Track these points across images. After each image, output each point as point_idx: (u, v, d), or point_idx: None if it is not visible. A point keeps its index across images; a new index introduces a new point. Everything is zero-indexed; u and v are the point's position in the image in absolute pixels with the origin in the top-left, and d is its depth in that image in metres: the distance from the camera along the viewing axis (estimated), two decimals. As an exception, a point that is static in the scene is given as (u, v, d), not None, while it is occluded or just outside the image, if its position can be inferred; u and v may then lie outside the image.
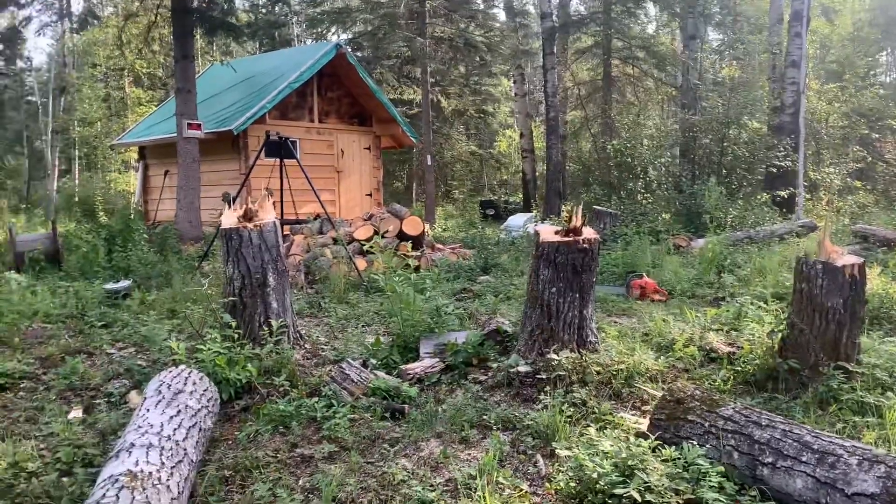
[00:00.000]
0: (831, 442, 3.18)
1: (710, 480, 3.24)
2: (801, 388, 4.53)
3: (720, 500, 3.11)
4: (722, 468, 3.33)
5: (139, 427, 3.51)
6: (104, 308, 7.58)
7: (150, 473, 3.04)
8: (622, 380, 4.77)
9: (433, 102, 24.40)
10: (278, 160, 10.95)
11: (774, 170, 17.00)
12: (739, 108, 17.28)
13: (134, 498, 2.82)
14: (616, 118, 21.29)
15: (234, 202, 5.89)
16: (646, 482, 3.18)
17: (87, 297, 7.83)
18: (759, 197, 16.24)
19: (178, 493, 3.12)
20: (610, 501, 3.20)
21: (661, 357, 5.31)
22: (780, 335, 4.90)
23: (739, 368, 4.98)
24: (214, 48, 31.64)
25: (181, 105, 13.62)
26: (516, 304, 7.67)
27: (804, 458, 3.18)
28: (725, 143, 17.05)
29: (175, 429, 3.57)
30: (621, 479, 3.25)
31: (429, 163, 20.90)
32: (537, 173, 26.99)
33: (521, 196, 26.79)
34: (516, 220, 17.03)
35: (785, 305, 5.79)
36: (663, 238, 12.29)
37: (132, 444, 3.28)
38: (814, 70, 27.37)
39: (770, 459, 3.29)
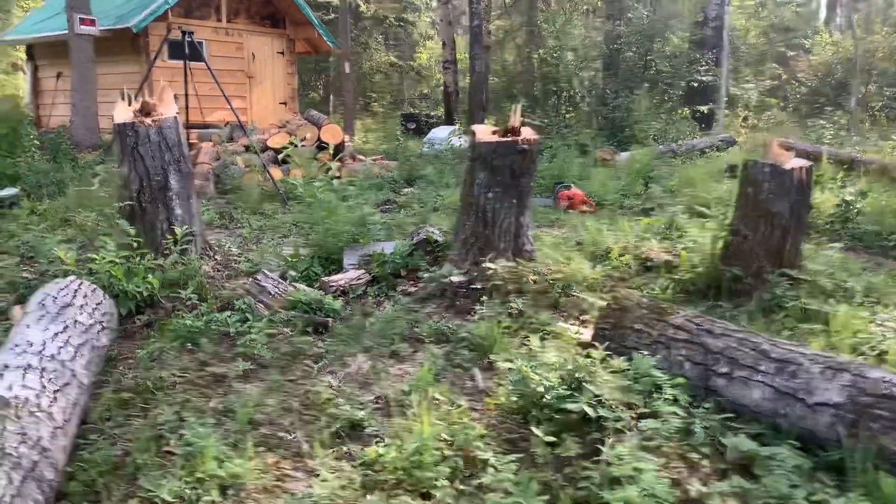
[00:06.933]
0: (791, 350, 2.99)
1: (665, 393, 3.00)
2: (745, 295, 4.37)
3: (676, 414, 2.88)
4: (680, 379, 3.10)
5: (16, 346, 2.99)
6: (-15, 217, 6.80)
7: (28, 399, 2.57)
8: (560, 289, 4.51)
9: (351, 7, 23.13)
10: (183, 63, 9.97)
11: (696, 84, 16.99)
12: (664, 21, 17.04)
13: (4, 428, 2.35)
14: (542, 25, 20.73)
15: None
16: (597, 395, 2.92)
17: (-35, 205, 7.00)
18: (679, 111, 16.24)
19: (64, 420, 2.66)
20: (558, 416, 2.93)
21: (598, 266, 5.08)
22: (721, 242, 4.72)
23: (678, 277, 4.80)
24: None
25: (71, -3, 12.26)
26: (444, 216, 7.31)
27: (762, 368, 2.97)
28: (649, 57, 16.86)
29: (60, 347, 3.08)
30: (569, 392, 2.98)
31: (347, 70, 19.88)
32: (459, 85, 26.25)
33: (442, 111, 26.07)
34: (439, 133, 16.44)
35: (721, 214, 5.64)
36: (589, 151, 12.10)
37: (6, 366, 2.78)
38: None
39: (725, 369, 3.08)
